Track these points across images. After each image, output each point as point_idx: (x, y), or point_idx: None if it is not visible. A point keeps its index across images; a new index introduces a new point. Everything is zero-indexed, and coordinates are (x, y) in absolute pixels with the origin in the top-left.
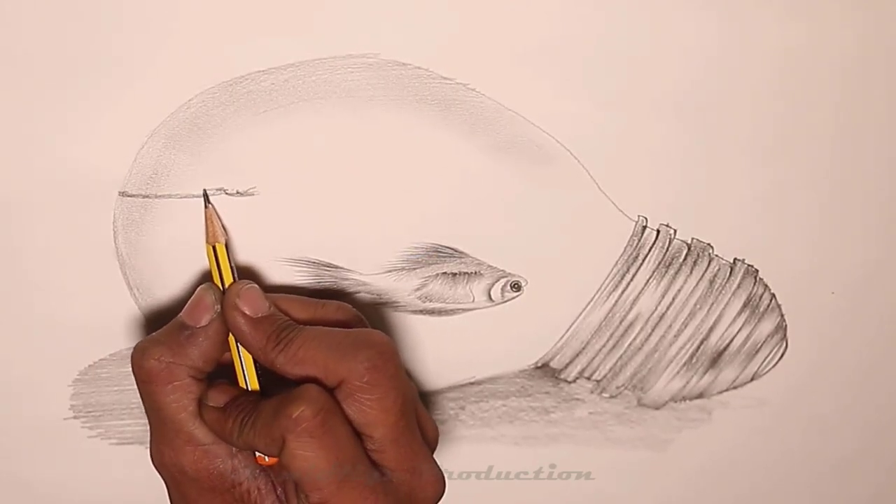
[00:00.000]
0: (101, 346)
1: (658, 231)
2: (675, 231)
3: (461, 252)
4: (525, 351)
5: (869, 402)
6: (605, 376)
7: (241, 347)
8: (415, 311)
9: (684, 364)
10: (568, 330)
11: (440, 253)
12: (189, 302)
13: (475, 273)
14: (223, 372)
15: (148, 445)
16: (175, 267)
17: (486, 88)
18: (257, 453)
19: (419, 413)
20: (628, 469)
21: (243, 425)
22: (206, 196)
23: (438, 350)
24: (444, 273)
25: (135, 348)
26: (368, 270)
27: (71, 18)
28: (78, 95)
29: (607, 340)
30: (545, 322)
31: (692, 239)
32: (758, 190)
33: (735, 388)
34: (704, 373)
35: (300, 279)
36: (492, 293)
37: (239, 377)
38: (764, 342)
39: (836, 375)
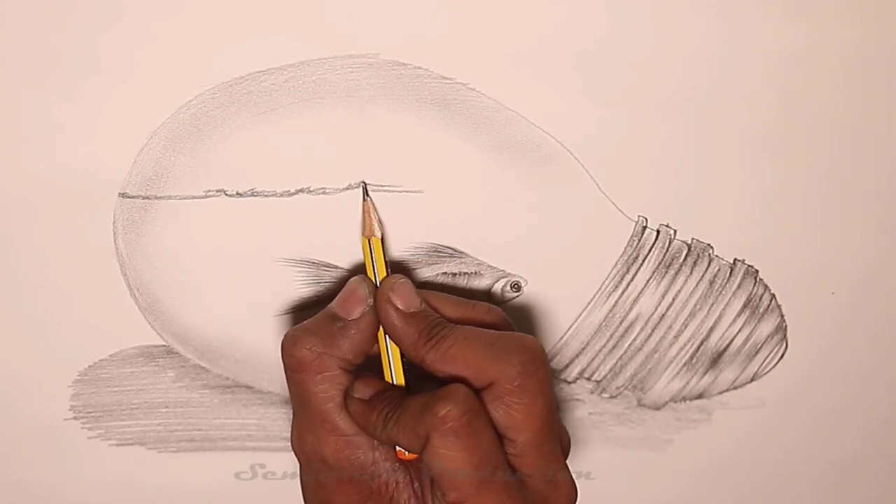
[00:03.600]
0: (101, 347)
1: (658, 231)
2: (676, 231)
3: (461, 252)
4: None
5: (869, 403)
6: (605, 377)
7: (389, 342)
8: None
9: (684, 364)
10: (568, 330)
11: (440, 253)
12: (341, 293)
13: (475, 273)
14: (367, 365)
15: (148, 447)
16: (175, 268)
17: (485, 88)
18: (398, 448)
19: (558, 421)
20: (628, 469)
21: (388, 419)
22: (364, 189)
23: None
24: (444, 273)
25: (286, 336)
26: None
27: (71, 19)
28: (78, 97)
29: (607, 341)
30: (545, 322)
31: (692, 239)
32: (758, 190)
33: (735, 388)
34: (704, 373)
35: (300, 279)
36: (492, 293)
37: (385, 371)
38: (764, 343)
39: (836, 375)
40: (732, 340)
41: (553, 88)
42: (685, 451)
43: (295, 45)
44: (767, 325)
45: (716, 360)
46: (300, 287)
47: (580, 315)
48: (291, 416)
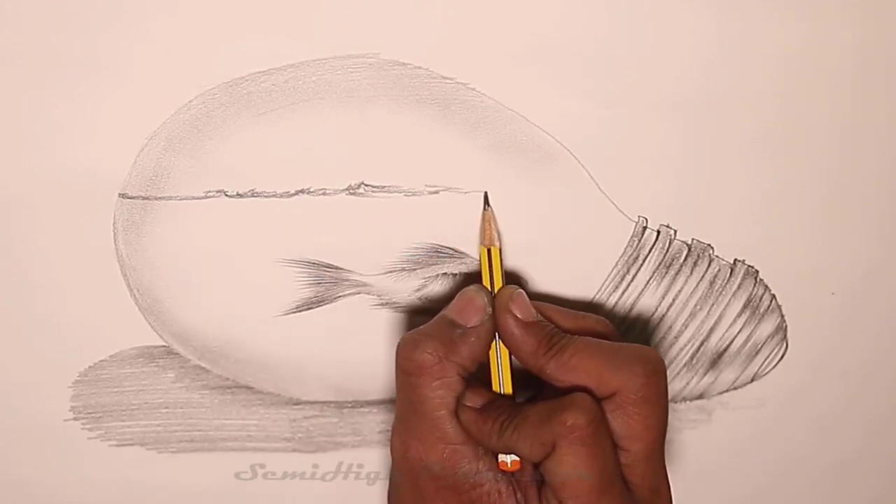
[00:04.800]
0: (102, 348)
1: (658, 232)
2: (676, 232)
3: (461, 252)
4: None
5: (869, 403)
6: None
7: (500, 351)
8: (415, 312)
9: (684, 365)
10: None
11: (440, 253)
12: (458, 300)
13: (475, 273)
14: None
15: (148, 447)
16: (175, 268)
17: (485, 88)
18: (500, 458)
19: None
20: None
21: (504, 427)
22: (486, 199)
23: None
24: (445, 273)
25: (404, 340)
26: (368, 271)
27: (71, 19)
28: (78, 97)
29: None
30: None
31: (692, 240)
32: (758, 190)
33: (735, 388)
34: (705, 373)
35: (300, 280)
36: None
37: (494, 380)
38: (764, 343)
39: (836, 376)
40: (732, 341)
41: (553, 88)
42: (685, 451)
43: (295, 45)
44: (767, 326)
45: (716, 360)
46: (300, 287)
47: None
48: (394, 420)
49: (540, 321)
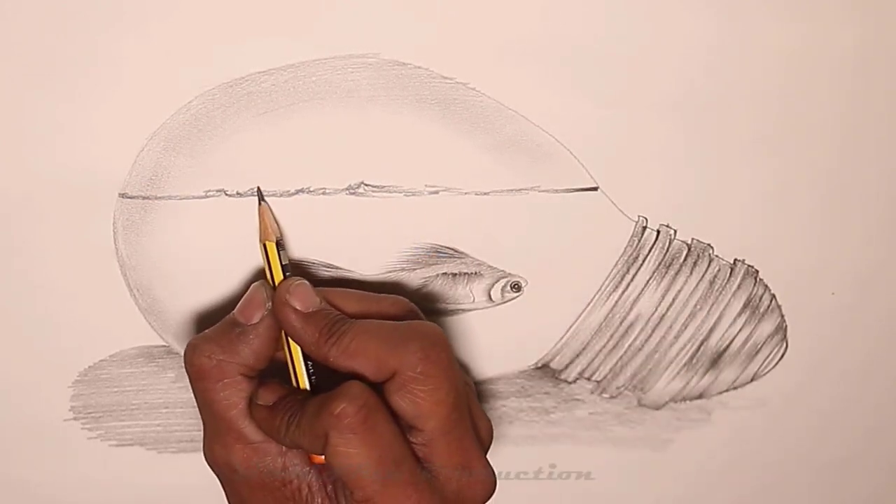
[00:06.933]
0: (101, 347)
1: (658, 231)
2: (676, 231)
3: (461, 252)
4: (525, 351)
5: (869, 402)
6: (605, 377)
7: (291, 345)
8: None
9: (684, 365)
10: (568, 330)
11: (440, 253)
12: (242, 300)
13: (475, 273)
14: (278, 372)
15: (148, 447)
16: (175, 268)
17: (486, 88)
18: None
19: (473, 409)
20: (628, 469)
21: (290, 423)
22: (259, 194)
23: None
24: (445, 273)
25: (187, 345)
26: (369, 271)
27: (71, 19)
28: (78, 97)
29: (607, 341)
30: (545, 322)
31: (692, 239)
32: (758, 190)
33: (735, 388)
34: (704, 373)
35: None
36: (492, 293)
37: (290, 375)
38: (764, 343)
39: (836, 375)
40: (732, 340)
41: (553, 88)
42: (685, 451)
43: (295, 45)
44: (767, 326)
45: (716, 360)
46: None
47: (580, 315)
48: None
49: (322, 309)
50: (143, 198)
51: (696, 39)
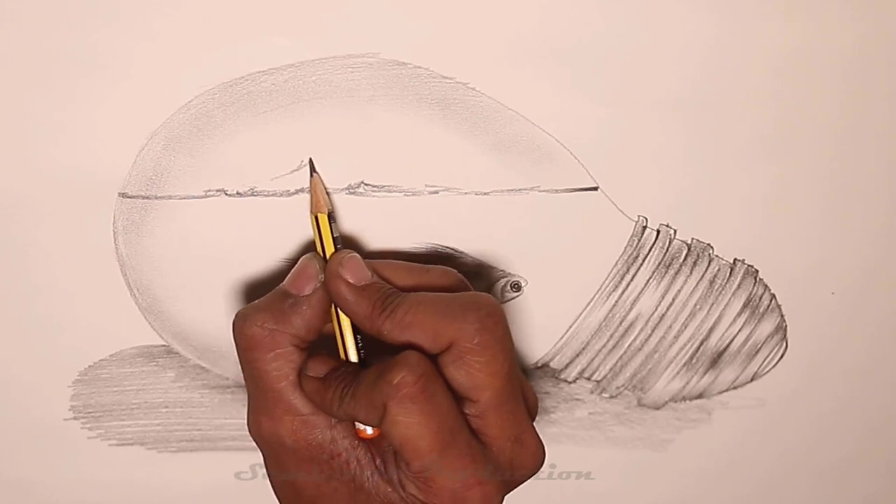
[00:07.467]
0: (101, 347)
1: (658, 231)
2: (675, 231)
3: (461, 252)
4: (525, 351)
5: (869, 402)
6: (605, 377)
7: (341, 318)
8: None
9: (684, 364)
10: (568, 330)
11: (440, 253)
12: (292, 271)
13: (475, 273)
14: (324, 344)
15: (148, 447)
16: (175, 267)
17: (486, 88)
18: (357, 426)
19: (521, 381)
20: (628, 469)
21: (344, 395)
22: (311, 165)
23: None
24: None
25: (236, 315)
26: None
27: (71, 19)
28: (78, 97)
29: (607, 341)
30: (545, 322)
31: (692, 239)
32: (758, 190)
33: (735, 388)
34: (704, 373)
35: None
36: (492, 293)
37: (339, 348)
38: (764, 342)
39: (836, 375)
40: (732, 340)
41: (553, 88)
42: (685, 451)
43: (295, 45)
44: (767, 325)
45: (716, 359)
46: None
47: (580, 315)
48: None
49: (374, 283)
50: (144, 197)
51: (695, 39)
